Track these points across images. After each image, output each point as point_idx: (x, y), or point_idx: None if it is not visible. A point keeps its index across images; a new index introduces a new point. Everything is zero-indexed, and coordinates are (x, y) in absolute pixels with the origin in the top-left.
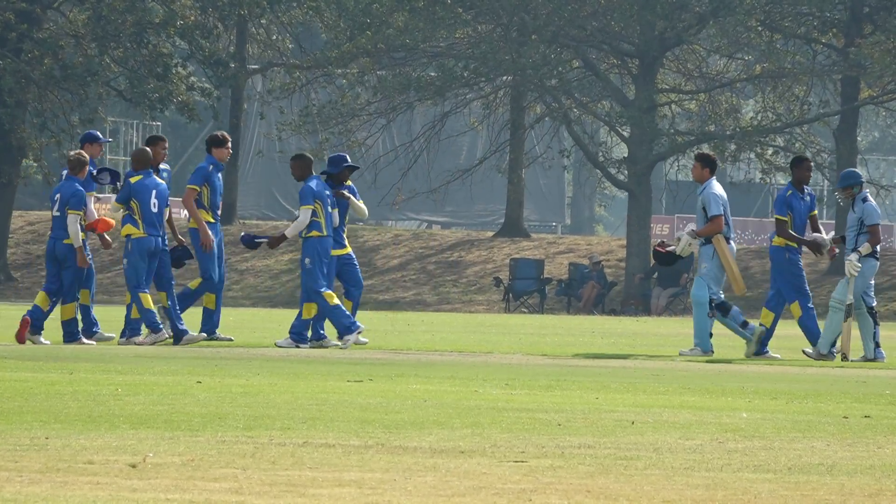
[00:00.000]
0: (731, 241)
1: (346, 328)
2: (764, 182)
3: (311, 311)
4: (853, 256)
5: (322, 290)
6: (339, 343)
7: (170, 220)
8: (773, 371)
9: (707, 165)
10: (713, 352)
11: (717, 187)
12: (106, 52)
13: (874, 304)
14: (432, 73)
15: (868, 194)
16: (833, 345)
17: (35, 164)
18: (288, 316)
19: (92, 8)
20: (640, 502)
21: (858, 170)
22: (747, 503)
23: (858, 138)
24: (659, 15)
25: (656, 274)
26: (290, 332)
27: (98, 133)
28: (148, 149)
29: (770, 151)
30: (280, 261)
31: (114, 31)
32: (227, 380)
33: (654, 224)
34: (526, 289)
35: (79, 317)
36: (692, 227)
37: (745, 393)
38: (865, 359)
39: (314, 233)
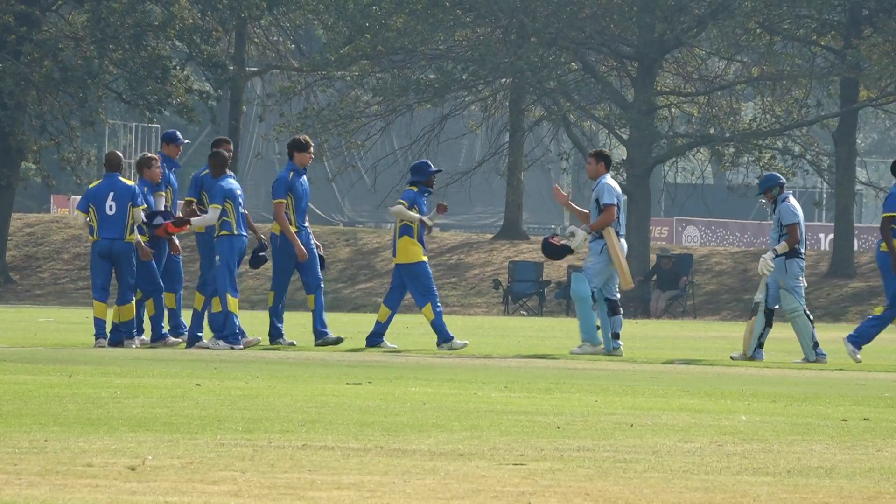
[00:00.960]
0: (623, 239)
1: (226, 335)
2: None
3: (216, 304)
4: (767, 255)
5: (227, 292)
6: (208, 342)
7: (249, 223)
8: (771, 374)
9: (602, 160)
10: (602, 345)
11: (611, 181)
12: (105, 54)
13: (776, 308)
14: (431, 76)
15: (789, 195)
16: (816, 346)
17: (34, 167)
18: (287, 318)
19: (91, 10)
20: None
21: (858, 172)
22: None
23: (857, 140)
24: (658, 17)
25: (655, 276)
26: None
27: (177, 133)
28: (117, 153)
29: (769, 155)
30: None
31: (113, 33)
32: (226, 382)
33: (652, 227)
34: (525, 291)
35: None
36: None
37: (743, 396)
38: (744, 356)
39: (224, 232)
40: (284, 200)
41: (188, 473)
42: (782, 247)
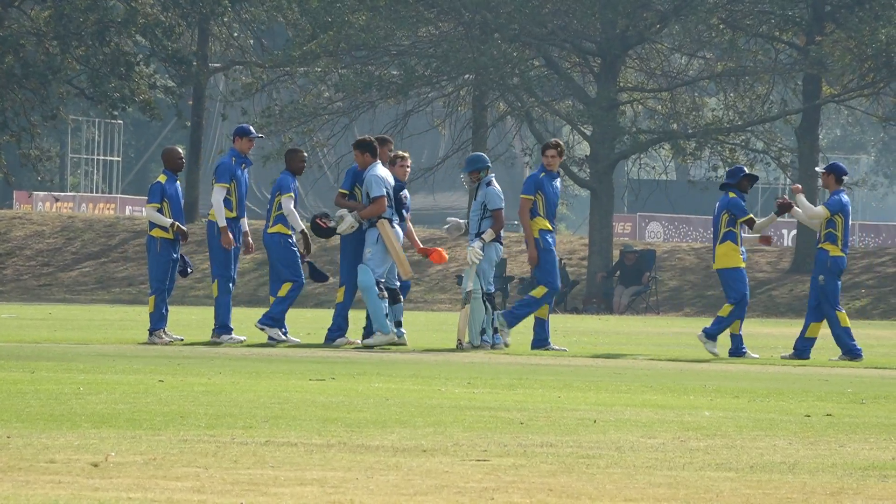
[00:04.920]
0: (397, 226)
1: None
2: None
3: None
4: (476, 244)
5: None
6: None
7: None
8: (734, 369)
9: (366, 150)
10: (396, 335)
11: (379, 170)
12: (68, 50)
13: (493, 291)
14: (394, 72)
15: (493, 178)
16: (484, 332)
17: None
18: (249, 315)
19: (54, 6)
20: (602, 501)
21: (819, 166)
22: (709, 501)
23: (820, 136)
24: (620, 13)
25: (618, 273)
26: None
27: (250, 127)
28: (175, 148)
29: (730, 149)
30: (242, 259)
31: (75, 29)
32: (188, 378)
33: (616, 223)
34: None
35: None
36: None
37: (706, 391)
38: (468, 345)
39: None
40: (533, 198)
41: (151, 470)
42: (489, 234)
